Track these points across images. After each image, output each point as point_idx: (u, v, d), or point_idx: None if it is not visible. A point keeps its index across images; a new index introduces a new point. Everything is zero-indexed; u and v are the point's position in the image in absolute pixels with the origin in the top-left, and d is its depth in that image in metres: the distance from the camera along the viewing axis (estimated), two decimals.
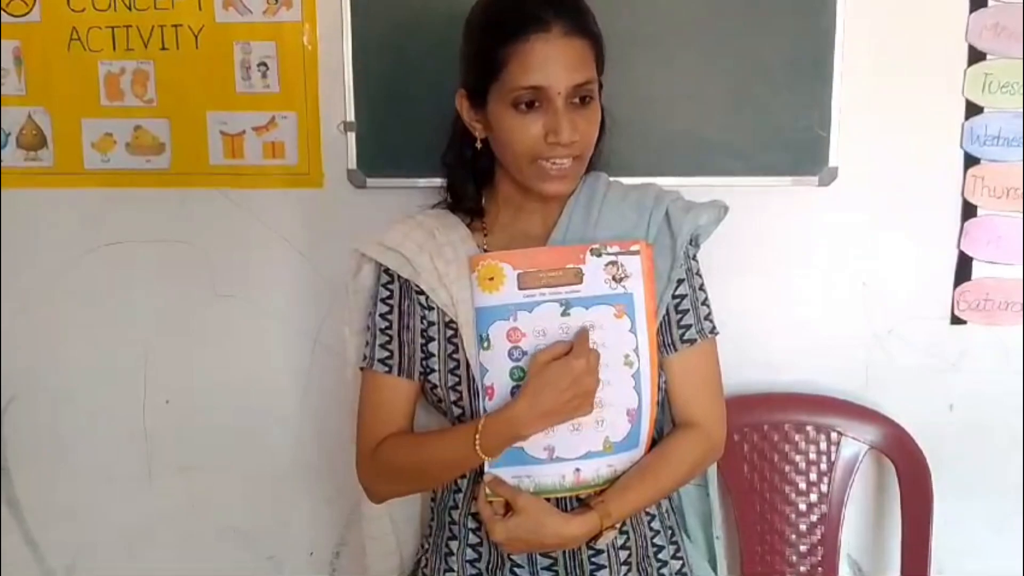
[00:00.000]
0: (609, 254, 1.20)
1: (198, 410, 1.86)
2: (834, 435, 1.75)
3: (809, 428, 1.75)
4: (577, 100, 1.19)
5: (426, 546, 1.34)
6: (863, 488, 1.83)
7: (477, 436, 1.16)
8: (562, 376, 1.15)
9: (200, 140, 1.76)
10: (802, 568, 1.75)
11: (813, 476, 1.75)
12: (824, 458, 1.75)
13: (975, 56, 1.72)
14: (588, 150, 1.24)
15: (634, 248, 1.21)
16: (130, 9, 1.73)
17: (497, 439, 1.17)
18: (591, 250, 1.20)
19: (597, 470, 1.21)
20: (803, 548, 1.75)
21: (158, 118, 1.76)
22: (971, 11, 1.71)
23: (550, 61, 1.16)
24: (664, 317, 1.27)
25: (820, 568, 1.75)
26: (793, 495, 1.76)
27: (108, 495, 1.90)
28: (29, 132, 1.78)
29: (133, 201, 1.79)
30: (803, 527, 1.75)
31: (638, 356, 1.21)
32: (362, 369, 1.29)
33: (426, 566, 1.33)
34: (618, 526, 1.23)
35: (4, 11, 1.75)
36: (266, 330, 1.83)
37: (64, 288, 1.83)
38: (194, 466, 1.88)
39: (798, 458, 1.76)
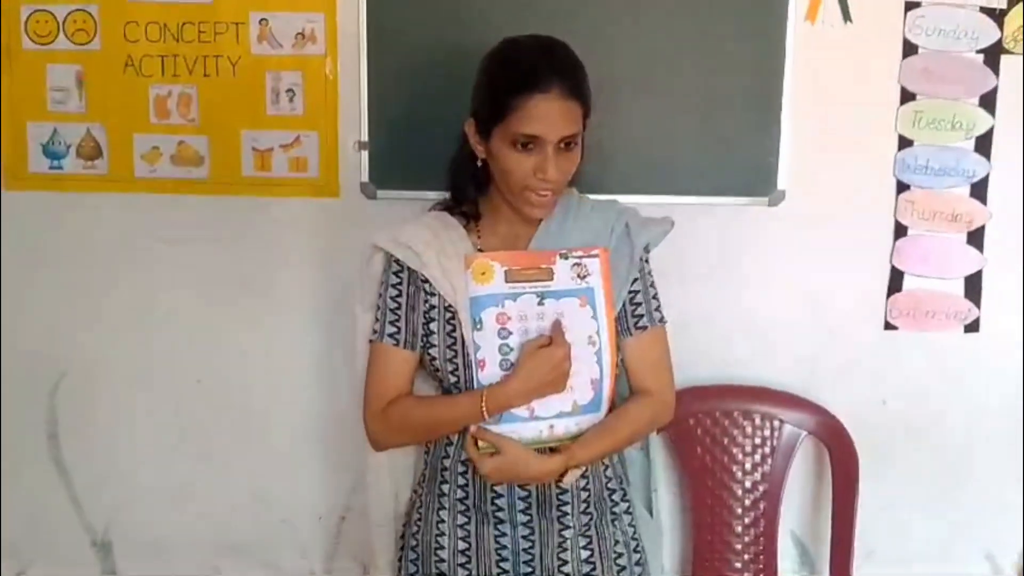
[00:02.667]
0: (575, 257, 1.45)
1: (224, 389, 2.05)
2: (776, 422, 1.97)
3: (755, 415, 1.98)
4: (563, 146, 1.42)
5: (419, 491, 1.58)
6: (804, 472, 2.05)
7: (483, 404, 1.42)
8: (547, 362, 1.41)
9: (235, 154, 1.96)
10: (746, 538, 1.98)
11: (758, 458, 1.98)
12: (768, 443, 1.98)
13: (906, 96, 1.95)
14: (567, 183, 1.48)
15: (594, 252, 1.46)
16: (178, 41, 1.93)
17: (496, 407, 1.43)
18: (560, 254, 1.46)
19: (567, 427, 1.46)
20: (747, 520, 1.98)
21: (199, 135, 1.96)
22: (903, 57, 1.94)
23: (547, 117, 1.38)
24: (622, 308, 1.52)
25: (762, 539, 1.97)
26: (740, 474, 1.98)
27: (143, 463, 2.08)
28: (87, 144, 1.98)
29: (175, 206, 1.98)
30: (748, 502, 1.98)
31: (599, 337, 1.45)
32: (371, 342, 1.52)
33: (421, 506, 1.56)
34: (582, 469, 1.47)
35: (69, 39, 1.95)
36: (285, 320, 2.03)
37: (113, 279, 2.02)
38: (219, 438, 2.07)
39: (745, 442, 1.98)
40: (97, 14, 1.95)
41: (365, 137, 1.95)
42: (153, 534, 2.11)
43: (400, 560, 1.60)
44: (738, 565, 1.98)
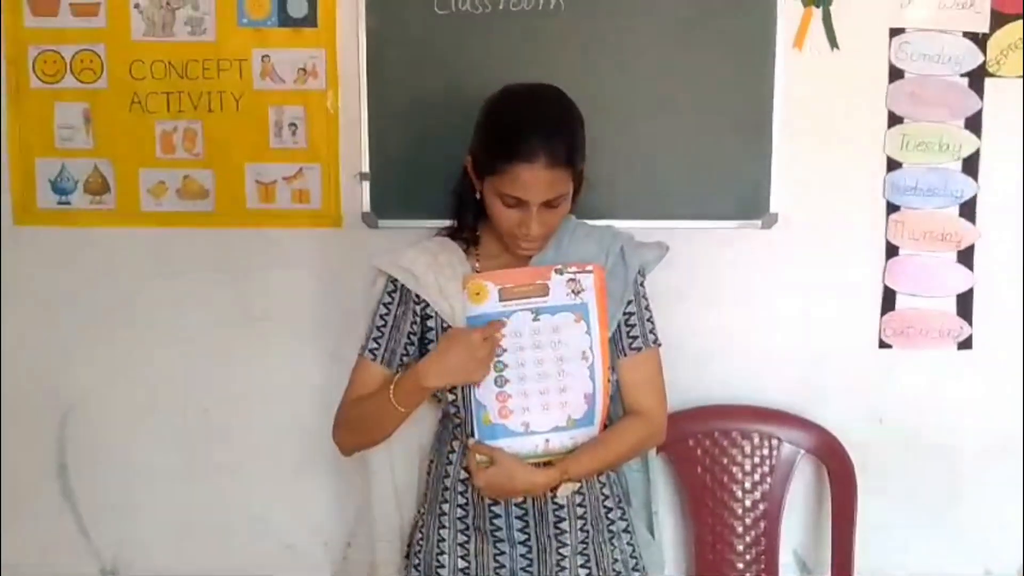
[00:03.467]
0: (569, 272, 1.49)
1: (231, 417, 2.08)
2: (774, 441, 2.00)
3: (754, 435, 2.00)
4: (549, 202, 1.46)
5: (422, 511, 1.62)
6: (803, 490, 2.07)
7: (391, 388, 1.46)
8: (461, 344, 1.44)
9: (239, 187, 2.00)
10: (748, 557, 2.00)
11: (757, 477, 2.00)
12: (767, 462, 2.00)
13: (894, 119, 1.99)
14: (553, 232, 1.53)
15: (589, 268, 1.50)
16: (183, 78, 1.98)
17: (406, 389, 1.46)
18: (555, 270, 1.50)
19: (562, 441, 1.49)
20: (748, 539, 2.00)
21: (204, 169, 2.00)
22: (890, 81, 1.98)
23: (531, 184, 1.43)
24: (617, 329, 1.56)
25: (763, 557, 1.99)
26: (740, 493, 2.00)
27: (151, 491, 2.10)
28: (95, 180, 2.02)
29: (181, 239, 2.02)
30: (748, 521, 2.00)
31: (592, 352, 1.49)
32: (359, 356, 1.59)
33: (423, 526, 1.60)
34: (575, 484, 1.50)
35: (76, 78, 2.00)
36: (290, 348, 2.06)
37: (121, 311, 2.05)
38: (226, 466, 2.09)
39: (744, 461, 2.00)
40: (104, 53, 2.00)
41: (366, 168, 1.99)
42: (161, 563, 2.13)
43: None
44: None
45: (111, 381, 2.09)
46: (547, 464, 1.48)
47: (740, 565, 2.00)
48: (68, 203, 2.04)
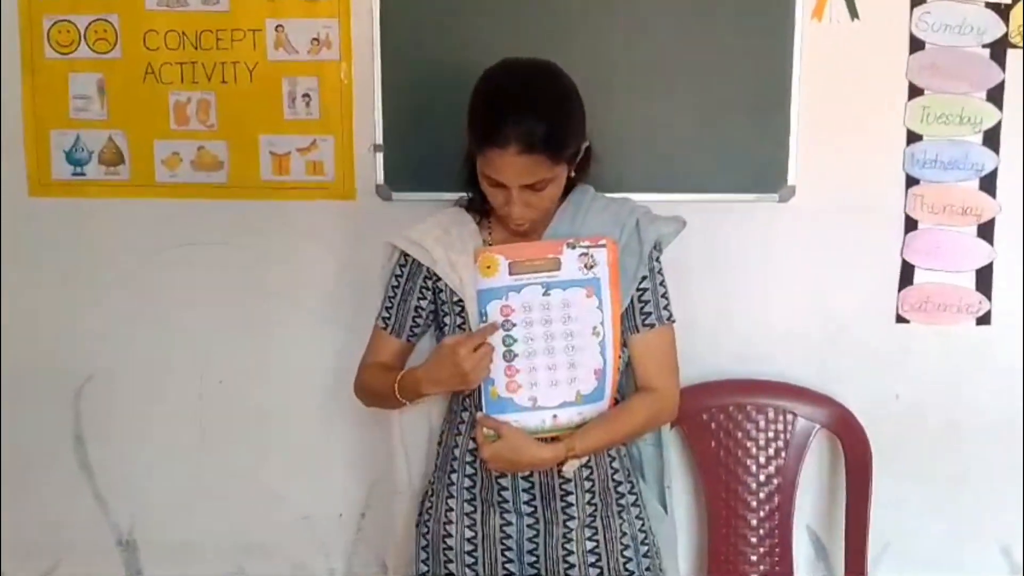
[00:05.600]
0: (582, 247, 1.48)
1: (246, 389, 2.09)
2: (789, 416, 1.98)
3: (769, 409, 1.99)
4: (533, 185, 1.45)
5: (432, 480, 1.63)
6: (818, 465, 2.06)
7: (396, 384, 1.52)
8: (446, 358, 1.45)
9: (253, 159, 2.00)
10: (762, 531, 1.99)
11: (772, 451, 1.99)
12: (781, 436, 1.99)
13: (914, 91, 1.97)
14: (543, 212, 1.52)
15: (602, 243, 1.49)
16: (196, 48, 1.98)
17: (406, 389, 1.53)
18: (567, 244, 1.48)
19: (570, 417, 1.49)
20: (762, 514, 1.99)
21: (218, 140, 2.00)
22: (911, 52, 1.95)
23: (504, 169, 1.43)
24: (630, 304, 1.55)
25: (777, 532, 1.99)
26: (754, 468, 1.99)
27: (167, 461, 2.12)
28: (109, 151, 2.03)
29: (195, 210, 2.03)
30: (762, 495, 1.99)
31: (604, 328, 1.48)
32: (375, 323, 1.65)
33: (432, 495, 1.62)
34: (583, 459, 1.50)
35: (90, 48, 2.00)
36: (304, 321, 2.06)
37: (136, 283, 2.06)
38: (241, 438, 2.10)
39: (759, 436, 1.99)
40: (118, 23, 2.00)
41: (380, 140, 1.98)
42: (177, 533, 2.15)
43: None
44: (754, 558, 2.00)
45: (126, 352, 2.10)
46: (554, 439, 1.48)
47: (754, 539, 1.99)
48: (83, 174, 2.05)
